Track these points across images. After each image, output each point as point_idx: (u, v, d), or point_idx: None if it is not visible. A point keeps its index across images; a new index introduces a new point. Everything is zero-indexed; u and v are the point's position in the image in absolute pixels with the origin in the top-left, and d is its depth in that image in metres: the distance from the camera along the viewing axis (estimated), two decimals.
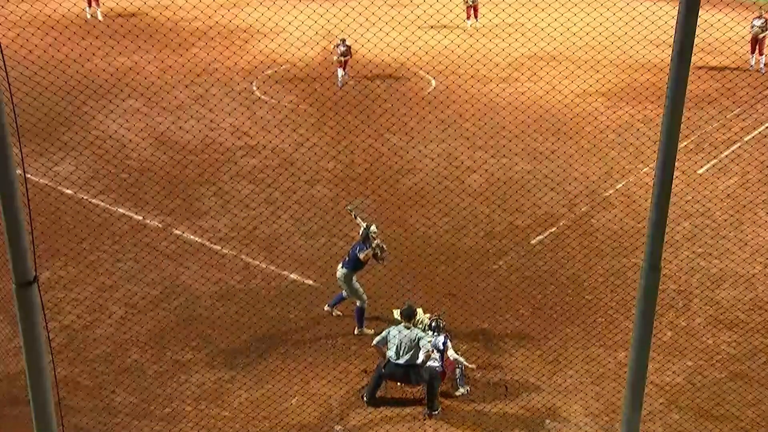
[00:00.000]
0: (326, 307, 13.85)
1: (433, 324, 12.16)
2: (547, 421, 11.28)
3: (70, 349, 12.87)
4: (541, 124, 22.27)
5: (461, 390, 11.91)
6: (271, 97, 23.83)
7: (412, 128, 21.95)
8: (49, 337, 4.34)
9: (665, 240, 4.54)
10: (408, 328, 11.45)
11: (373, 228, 13.21)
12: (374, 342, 11.77)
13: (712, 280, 15.05)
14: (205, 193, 18.18)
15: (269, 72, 26.55)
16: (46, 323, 4.53)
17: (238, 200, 17.70)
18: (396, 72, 26.26)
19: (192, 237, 16.29)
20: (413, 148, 20.63)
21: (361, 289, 13.26)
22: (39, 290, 4.66)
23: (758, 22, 27.02)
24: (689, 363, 12.68)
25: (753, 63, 27.26)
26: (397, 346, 11.41)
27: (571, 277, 15.06)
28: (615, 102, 23.95)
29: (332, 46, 25.46)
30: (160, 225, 16.73)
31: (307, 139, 21.07)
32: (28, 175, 17.43)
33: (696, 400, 11.87)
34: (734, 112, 23.16)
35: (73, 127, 20.67)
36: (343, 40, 24.65)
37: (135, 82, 24.11)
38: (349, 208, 14.39)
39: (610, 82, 25.01)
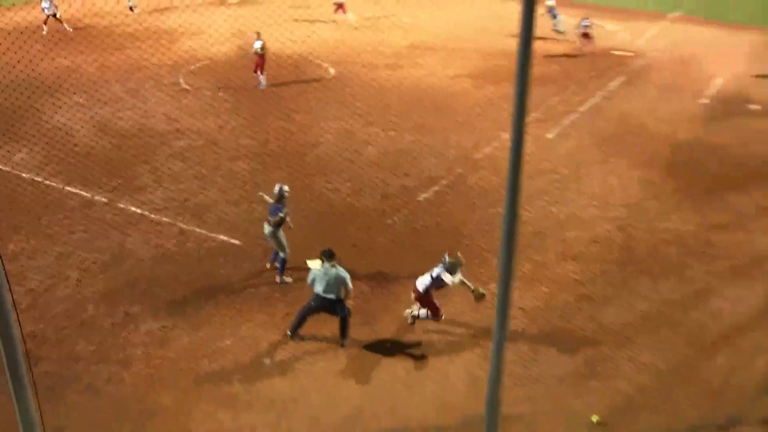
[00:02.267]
0: (268, 265, 13.62)
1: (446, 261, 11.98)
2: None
3: (35, 308, 12.46)
4: (422, 102, 22.42)
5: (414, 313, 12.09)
6: (195, 88, 23.23)
7: (314, 109, 21.80)
8: (14, 299, 4.20)
9: (522, 192, 4.71)
10: (333, 267, 11.37)
11: (285, 188, 13.04)
12: (308, 282, 11.64)
13: (560, 223, 15.57)
14: (142, 171, 17.68)
15: (192, 67, 25.84)
16: (10, 287, 4.38)
17: (171, 176, 17.30)
18: (299, 62, 25.93)
19: (133, 209, 15.87)
20: (317, 125, 20.51)
21: (285, 242, 13.12)
22: (1, 259, 4.51)
23: (585, 22, 27.66)
24: (545, 289, 13.15)
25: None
26: (325, 283, 11.39)
27: (452, 227, 15.32)
28: (480, 83, 24.31)
29: (248, 44, 24.49)
30: (105, 200, 16.24)
31: (227, 122, 20.69)
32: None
33: (551, 318, 12.34)
34: (571, 90, 23.83)
35: (26, 121, 19.72)
36: (258, 34, 23.44)
37: (77, 80, 23.12)
38: (259, 193, 14.19)
39: (476, 67, 25.36)
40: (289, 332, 11.76)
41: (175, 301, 12.70)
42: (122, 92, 22.50)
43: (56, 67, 24.13)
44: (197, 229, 15.05)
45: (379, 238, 14.79)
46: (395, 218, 15.71)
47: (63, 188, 16.66)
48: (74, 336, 11.81)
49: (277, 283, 13.22)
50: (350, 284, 11.48)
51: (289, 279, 13.21)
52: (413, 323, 12.06)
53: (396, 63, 26.44)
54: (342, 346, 11.63)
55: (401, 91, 22.54)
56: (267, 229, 13.05)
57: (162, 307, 12.56)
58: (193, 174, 17.50)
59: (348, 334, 11.72)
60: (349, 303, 11.88)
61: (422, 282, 11.86)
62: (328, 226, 15.16)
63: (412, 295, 11.95)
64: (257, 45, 23.02)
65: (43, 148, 18.22)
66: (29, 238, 14.69)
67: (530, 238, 14.71)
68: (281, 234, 13.07)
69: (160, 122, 20.41)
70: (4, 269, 4.55)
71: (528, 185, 16.71)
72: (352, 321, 11.90)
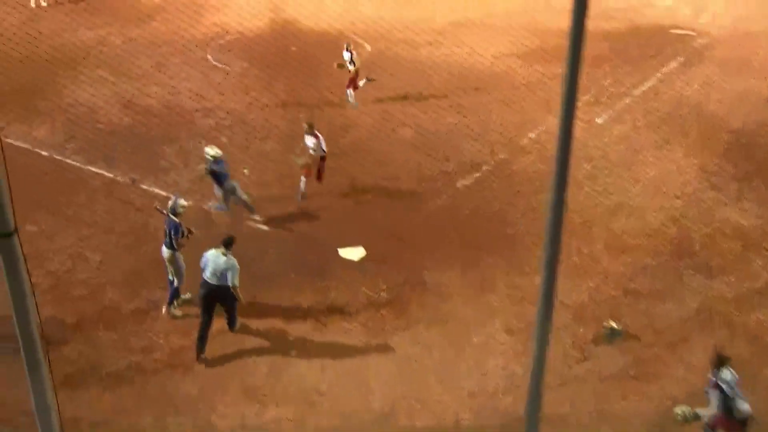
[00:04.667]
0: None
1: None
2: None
3: (56, 291, 12.71)
4: (464, 81, 22.23)
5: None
6: (225, 64, 23.36)
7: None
8: (31, 282, 4.28)
9: (570, 179, 4.63)
10: (225, 255, 11.32)
11: (181, 201, 12.33)
12: (201, 264, 11.48)
13: (609, 212, 15.38)
14: (168, 151, 17.82)
15: (222, 41, 25.95)
16: (28, 270, 4.45)
17: (198, 156, 17.42)
18: (335, 38, 25.90)
19: (157, 190, 16.03)
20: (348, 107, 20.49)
21: (183, 268, 12.23)
22: (19, 240, 4.57)
23: None
24: (590, 283, 13.02)
25: None
26: (213, 270, 11.30)
27: (494, 215, 15.23)
28: (528, 62, 24.03)
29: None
30: (129, 180, 16.43)
31: (258, 100, 20.76)
32: (10, 140, 16.90)
33: (597, 314, 12.22)
34: (624, 70, 23.45)
35: (48, 96, 20.02)
36: (348, 45, 21.03)
37: (102, 53, 23.35)
38: (155, 206, 13.20)
39: (523, 45, 25.07)
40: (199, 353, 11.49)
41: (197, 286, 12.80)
42: (148, 67, 22.68)
43: (80, 40, 24.44)
44: (224, 214, 15.18)
45: (416, 226, 14.76)
46: (432, 205, 15.65)
47: (85, 168, 16.91)
48: (95, 321, 12.02)
49: (163, 313, 12.35)
50: (236, 279, 11.28)
51: (179, 312, 12.32)
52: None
53: (438, 40, 26.24)
54: (232, 329, 11.78)
55: (443, 70, 22.36)
56: (165, 251, 12.13)
57: (185, 293, 12.68)
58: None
59: (237, 322, 11.82)
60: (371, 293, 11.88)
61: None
62: (361, 213, 15.17)
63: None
64: (346, 56, 20.88)
65: (64, 125, 18.49)
66: (49, 218, 14.94)
67: (577, 228, 14.56)
68: (181, 257, 12.21)
69: (187, 99, 20.55)
70: (22, 249, 4.62)
71: (576, 172, 16.47)
72: (385, 312, 11.91)
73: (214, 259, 11.36)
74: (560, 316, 12.10)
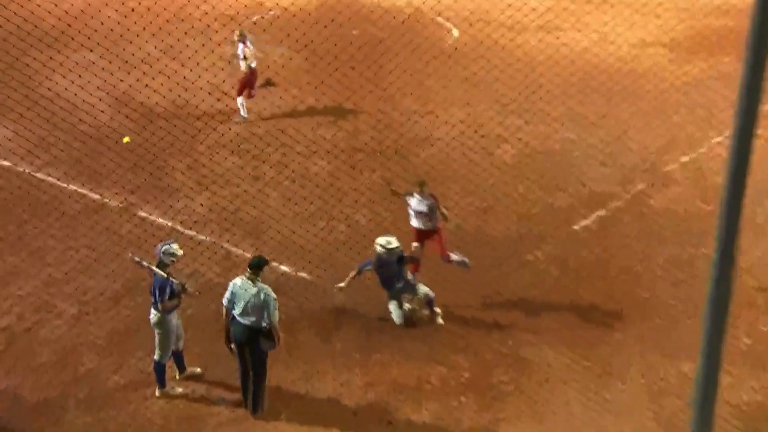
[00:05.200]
0: (177, 375, 12.64)
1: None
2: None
3: (10, 355, 12.87)
4: (588, 82, 22.12)
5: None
6: (258, 50, 23.73)
7: (429, 88, 21.83)
8: None
9: (742, 224, 4.44)
10: (254, 283, 11.41)
11: (173, 247, 11.94)
12: (224, 301, 11.64)
13: None
14: (176, 166, 18.15)
15: (255, 18, 26.47)
16: None
17: (218, 175, 17.68)
18: (410, 19, 26.13)
19: (160, 220, 16.26)
20: (431, 112, 20.56)
21: (172, 338, 12.15)
22: None
23: None
24: None
25: None
26: (243, 305, 11.44)
27: (624, 270, 14.97)
28: (681, 54, 23.80)
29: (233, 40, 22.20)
30: (121, 205, 16.71)
31: (302, 102, 21.01)
32: None
33: None
34: None
35: (12, 84, 20.63)
36: (242, 35, 21.39)
37: (89, 28, 23.81)
38: (134, 258, 12.31)
39: (675, 30, 24.85)
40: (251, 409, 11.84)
41: (214, 354, 12.83)
42: (153, 51, 23.22)
43: (63, 10, 25.18)
44: (250, 253, 15.24)
45: (514, 282, 14.61)
46: (538, 252, 15.50)
47: (61, 184, 17.25)
48: (63, 398, 12.10)
49: (156, 396, 12.30)
50: (276, 314, 11.44)
51: (179, 388, 12.42)
52: None
53: (553, 23, 26.26)
54: (254, 414, 11.81)
55: (558, 65, 22.30)
56: (152, 314, 11.98)
57: (193, 362, 12.73)
58: (249, 173, 17.85)
59: (262, 403, 11.82)
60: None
61: None
62: (438, 259, 15.07)
63: None
64: (239, 51, 21.24)
65: (33, 123, 18.92)
66: (8, 252, 15.25)
67: (752, 296, 14.19)
68: (174, 322, 12.10)
69: (205, 96, 20.88)
70: None
71: (751, 213, 16.15)
72: (466, 400, 11.72)
73: (242, 290, 11.51)
74: (723, 423, 11.72)
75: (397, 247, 13.18)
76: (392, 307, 13.62)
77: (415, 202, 14.21)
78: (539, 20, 25.99)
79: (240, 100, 20.80)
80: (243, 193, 16.95)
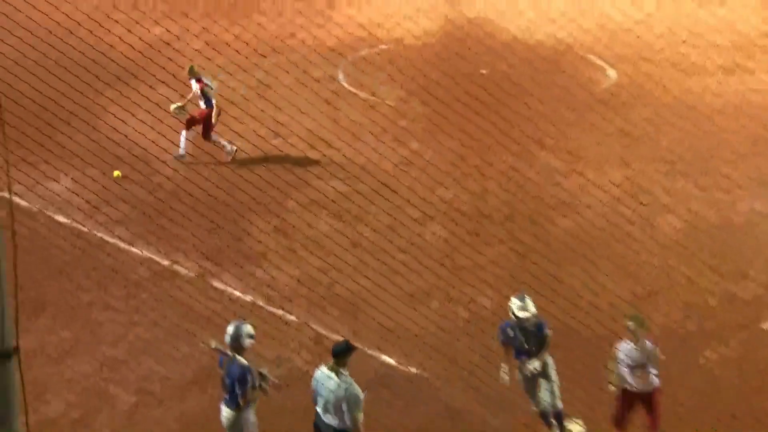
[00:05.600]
0: None
1: None
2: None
3: None
4: None
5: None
6: (367, 91, 24.02)
7: (576, 142, 21.74)
8: None
9: None
10: (337, 375, 11.52)
11: (247, 329, 12.15)
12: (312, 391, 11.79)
13: None
14: (262, 226, 18.42)
15: (364, 52, 26.74)
16: (27, 416, 4.63)
17: (310, 239, 17.86)
18: (555, 56, 26.17)
19: (239, 293, 16.55)
20: (577, 172, 20.42)
21: None
22: (20, 366, 4.75)
23: None
24: None
25: None
26: (325, 399, 11.56)
27: None
28: None
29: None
30: (195, 273, 17.01)
31: (417, 154, 21.05)
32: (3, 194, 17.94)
33: None
34: None
35: (78, 125, 21.21)
36: (192, 71, 22.89)
37: (171, 63, 24.25)
38: (211, 344, 12.64)
39: None
40: None
41: None
42: (240, 88, 23.62)
43: (140, 39, 25.71)
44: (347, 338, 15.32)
45: (682, 385, 14.34)
46: (712, 354, 15.28)
47: (127, 246, 17.63)
48: None
49: None
50: (360, 415, 11.44)
51: None
52: None
53: (738, 62, 25.98)
54: None
55: (744, 116, 22.05)
56: (226, 412, 12.20)
57: None
58: (347, 239, 18.00)
59: None
60: None
61: None
62: (586, 357, 14.89)
63: None
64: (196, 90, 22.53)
65: (98, 172, 19.31)
66: (60, 325, 15.62)
67: None
68: (252, 420, 12.26)
69: (299, 143, 21.13)
70: (23, 380, 4.80)
71: None
72: None
73: (322, 382, 11.67)
74: None
75: (534, 315, 13.11)
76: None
77: (626, 350, 12.85)
78: (721, 59, 25.79)
79: (183, 134, 21.82)
80: (340, 262, 16.92)
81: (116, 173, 18.83)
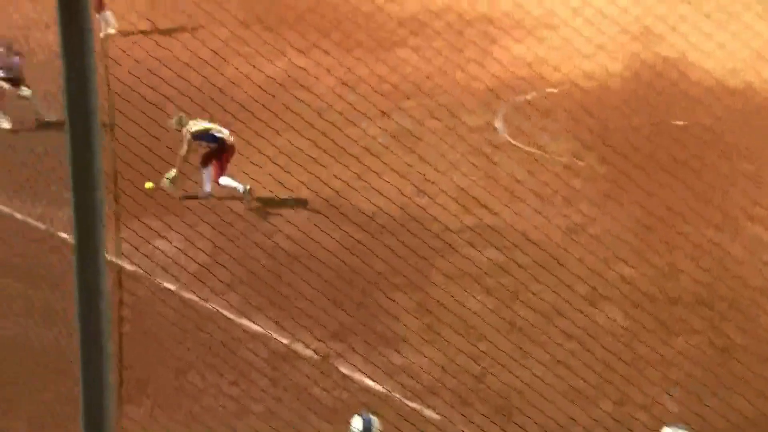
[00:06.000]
0: None
1: None
2: None
3: None
4: None
5: None
6: (531, 143, 24.23)
7: None
8: None
9: None
10: None
11: (377, 424, 12.85)
12: None
13: None
14: (401, 301, 18.71)
15: (530, 96, 26.76)
16: None
17: (458, 319, 18.02)
18: (763, 101, 26.07)
19: (371, 380, 16.89)
20: None
21: None
22: None
23: None
24: None
25: None
26: None
27: None
28: None
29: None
30: (319, 354, 17.45)
31: (593, 221, 21.18)
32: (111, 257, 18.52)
33: None
34: None
35: (186, 171, 21.83)
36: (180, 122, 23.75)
37: (297, 103, 24.38)
38: None
39: None
40: None
41: None
42: (380, 134, 23.92)
43: (266, 75, 25.90)
44: None
45: None
46: None
47: (238, 320, 18.20)
48: None
49: None
50: None
51: None
52: None
53: None
54: None
55: None
56: None
57: None
58: (503, 321, 18.22)
59: None
60: None
61: None
62: None
63: None
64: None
65: (207, 231, 19.64)
66: (164, 411, 16.13)
67: None
68: None
69: (447, 203, 21.17)
70: None
71: None
72: None
73: None
74: None
75: None
76: None
77: None
78: None
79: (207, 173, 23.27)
80: (493, 349, 17.03)
81: (148, 184, 19.73)
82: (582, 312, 18.34)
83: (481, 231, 20.88)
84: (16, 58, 26.99)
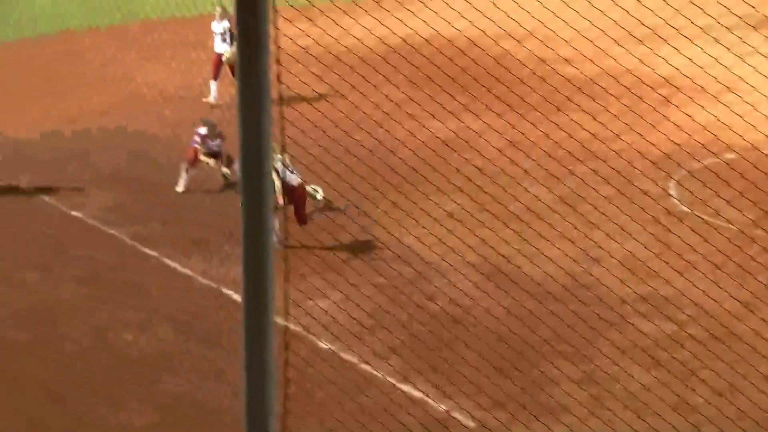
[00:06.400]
0: None
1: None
2: None
3: None
4: None
5: None
6: (707, 210, 23.87)
7: None
8: None
9: None
10: None
11: None
12: None
13: None
14: (568, 372, 18.51)
15: (707, 162, 26.49)
16: None
17: (627, 394, 17.77)
18: None
19: None
20: None
21: None
22: None
23: None
24: None
25: None
26: None
27: None
28: None
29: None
30: (478, 423, 17.18)
31: None
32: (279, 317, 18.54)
33: None
34: None
35: (343, 237, 21.88)
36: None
37: (467, 166, 24.42)
38: None
39: None
40: None
41: None
42: (550, 201, 23.73)
43: (433, 134, 25.97)
44: None
45: None
46: None
47: (399, 385, 18.00)
48: None
49: None
50: None
51: None
52: None
53: None
54: None
55: None
56: None
57: None
58: (675, 397, 17.84)
59: None
60: None
61: None
62: None
63: None
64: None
65: (372, 292, 19.61)
66: None
67: None
68: None
69: (618, 271, 20.95)
70: None
71: None
72: None
73: None
74: None
75: None
76: None
77: None
78: None
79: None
80: (664, 425, 16.79)
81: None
82: (761, 390, 17.93)
83: (651, 300, 20.50)
84: (217, 140, 28.42)
